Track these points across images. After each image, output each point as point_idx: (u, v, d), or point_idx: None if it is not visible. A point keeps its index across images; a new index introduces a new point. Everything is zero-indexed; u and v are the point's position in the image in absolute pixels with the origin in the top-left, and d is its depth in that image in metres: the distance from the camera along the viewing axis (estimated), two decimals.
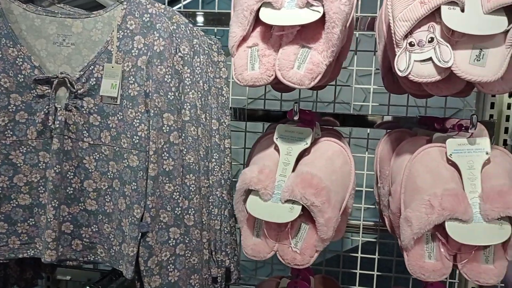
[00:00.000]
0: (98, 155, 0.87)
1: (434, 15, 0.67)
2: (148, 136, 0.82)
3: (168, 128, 0.83)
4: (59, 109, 0.84)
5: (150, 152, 0.82)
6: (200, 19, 1.15)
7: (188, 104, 0.86)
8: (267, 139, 0.86)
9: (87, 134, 0.87)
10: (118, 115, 0.85)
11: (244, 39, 0.74)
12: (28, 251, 0.89)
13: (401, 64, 0.68)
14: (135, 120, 0.83)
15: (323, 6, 0.68)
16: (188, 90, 0.86)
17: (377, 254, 1.19)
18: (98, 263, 0.95)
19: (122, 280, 1.09)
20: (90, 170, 0.88)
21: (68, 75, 0.84)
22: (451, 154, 0.76)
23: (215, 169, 0.92)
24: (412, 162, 0.79)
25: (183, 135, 0.86)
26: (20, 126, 0.86)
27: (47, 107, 0.85)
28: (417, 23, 0.67)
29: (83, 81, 0.85)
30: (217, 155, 0.92)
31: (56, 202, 0.85)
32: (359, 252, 1.19)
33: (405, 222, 0.73)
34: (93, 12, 0.87)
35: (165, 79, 0.83)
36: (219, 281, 0.94)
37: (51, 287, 1.33)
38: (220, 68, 0.97)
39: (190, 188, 0.86)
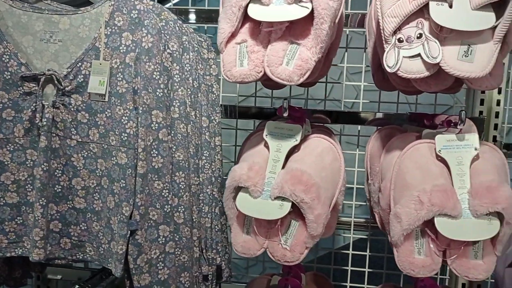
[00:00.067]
0: (86, 153, 0.86)
1: (423, 11, 0.67)
2: (136, 133, 0.81)
3: (156, 125, 0.82)
4: (46, 106, 0.83)
5: (139, 149, 0.81)
6: (191, 16, 1.14)
7: (177, 101, 0.85)
8: (257, 136, 0.86)
9: (75, 131, 0.86)
10: (106, 112, 0.84)
11: (233, 35, 0.74)
12: (16, 250, 0.88)
13: (390, 60, 0.68)
14: (123, 117, 0.82)
15: (311, 2, 0.68)
16: (177, 87, 0.85)
17: (368, 251, 1.19)
18: (87, 261, 0.94)
19: (112, 279, 1.09)
20: (78, 168, 0.87)
21: (55, 72, 0.83)
22: (440, 150, 0.77)
23: (206, 167, 0.92)
24: (402, 158, 0.79)
25: (172, 132, 0.85)
26: (7, 124, 0.85)
27: (34, 104, 0.84)
28: (406, 19, 0.67)
29: (71, 78, 0.84)
30: (208, 153, 0.92)
31: (44, 200, 0.84)
32: (351, 249, 1.19)
33: (395, 218, 0.73)
34: (81, 9, 0.86)
35: (154, 76, 0.82)
36: (210, 279, 0.94)
37: (42, 286, 1.33)
38: (210, 65, 0.97)
39: (180, 185, 0.86)
